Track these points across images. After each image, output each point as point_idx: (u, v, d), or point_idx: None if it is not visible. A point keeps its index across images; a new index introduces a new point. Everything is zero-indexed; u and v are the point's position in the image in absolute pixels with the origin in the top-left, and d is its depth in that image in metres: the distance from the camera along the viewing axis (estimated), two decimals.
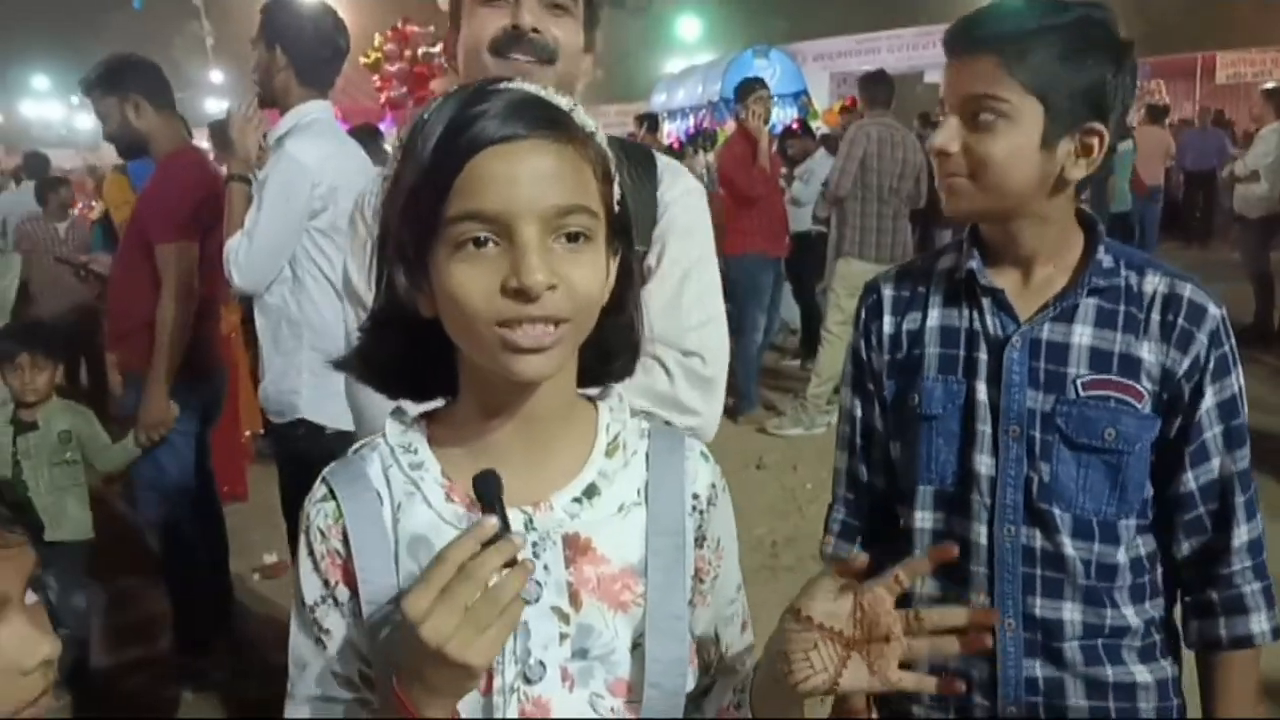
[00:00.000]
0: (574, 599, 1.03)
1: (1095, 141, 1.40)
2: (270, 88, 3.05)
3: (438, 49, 10.47)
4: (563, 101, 1.00)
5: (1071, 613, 1.46)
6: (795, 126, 9.34)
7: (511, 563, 0.91)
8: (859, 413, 1.64)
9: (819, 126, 11.95)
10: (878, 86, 6.22)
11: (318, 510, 1.06)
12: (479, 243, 0.94)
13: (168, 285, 3.35)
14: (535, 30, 1.51)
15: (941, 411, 1.50)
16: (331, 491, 1.06)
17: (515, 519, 1.02)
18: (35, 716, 1.02)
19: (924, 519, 1.54)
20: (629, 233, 1.08)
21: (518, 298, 0.93)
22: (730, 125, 7.56)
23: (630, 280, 1.09)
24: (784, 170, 7.99)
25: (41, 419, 3.46)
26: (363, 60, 11.29)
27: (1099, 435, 1.41)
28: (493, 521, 0.92)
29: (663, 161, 1.69)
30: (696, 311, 1.59)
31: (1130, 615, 1.48)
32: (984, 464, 1.47)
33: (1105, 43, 1.39)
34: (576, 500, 1.05)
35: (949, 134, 1.41)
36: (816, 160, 8.13)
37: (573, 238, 0.96)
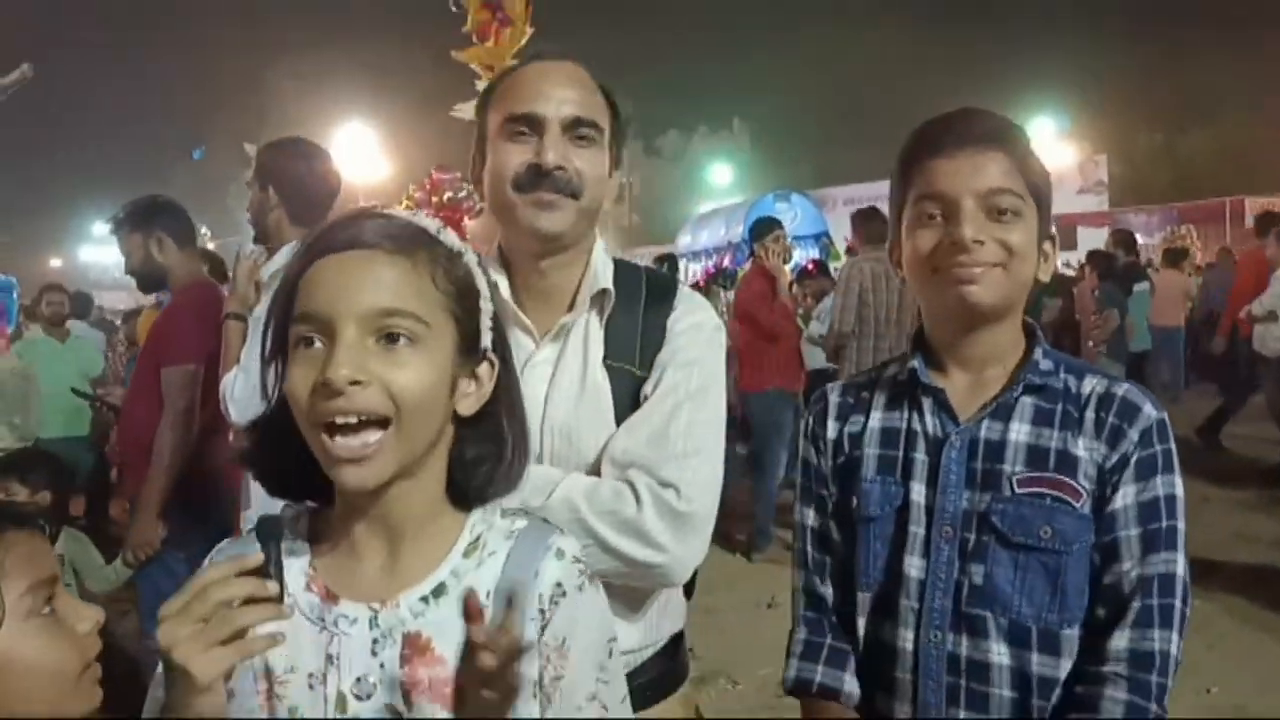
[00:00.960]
0: (407, 698, 1.07)
1: (1050, 248, 1.49)
2: (263, 225, 3.18)
3: (464, 193, 10.87)
4: (429, 224, 1.11)
5: None
6: (811, 267, 9.52)
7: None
8: (811, 522, 1.60)
9: (839, 267, 12.13)
10: (871, 223, 6.28)
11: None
12: (309, 343, 1.03)
13: (169, 408, 3.43)
14: (559, 167, 1.54)
15: (880, 513, 1.49)
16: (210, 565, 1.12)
17: (362, 614, 1.09)
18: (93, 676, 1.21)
19: (861, 626, 1.50)
20: (503, 347, 1.17)
21: (325, 392, 1.00)
22: (750, 265, 7.71)
23: (504, 394, 1.16)
24: (799, 310, 8.11)
25: None
26: (399, 207, 11.71)
27: (1035, 534, 1.38)
28: (257, 557, 1.01)
29: (683, 294, 1.69)
30: (682, 442, 1.52)
31: None
32: (914, 567, 1.44)
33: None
34: (423, 599, 1.10)
35: (978, 224, 1.41)
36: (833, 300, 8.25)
37: (393, 339, 1.04)
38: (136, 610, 5.03)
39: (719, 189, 42.51)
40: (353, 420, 1.01)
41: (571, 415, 1.58)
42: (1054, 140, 30.04)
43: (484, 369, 1.13)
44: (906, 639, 1.44)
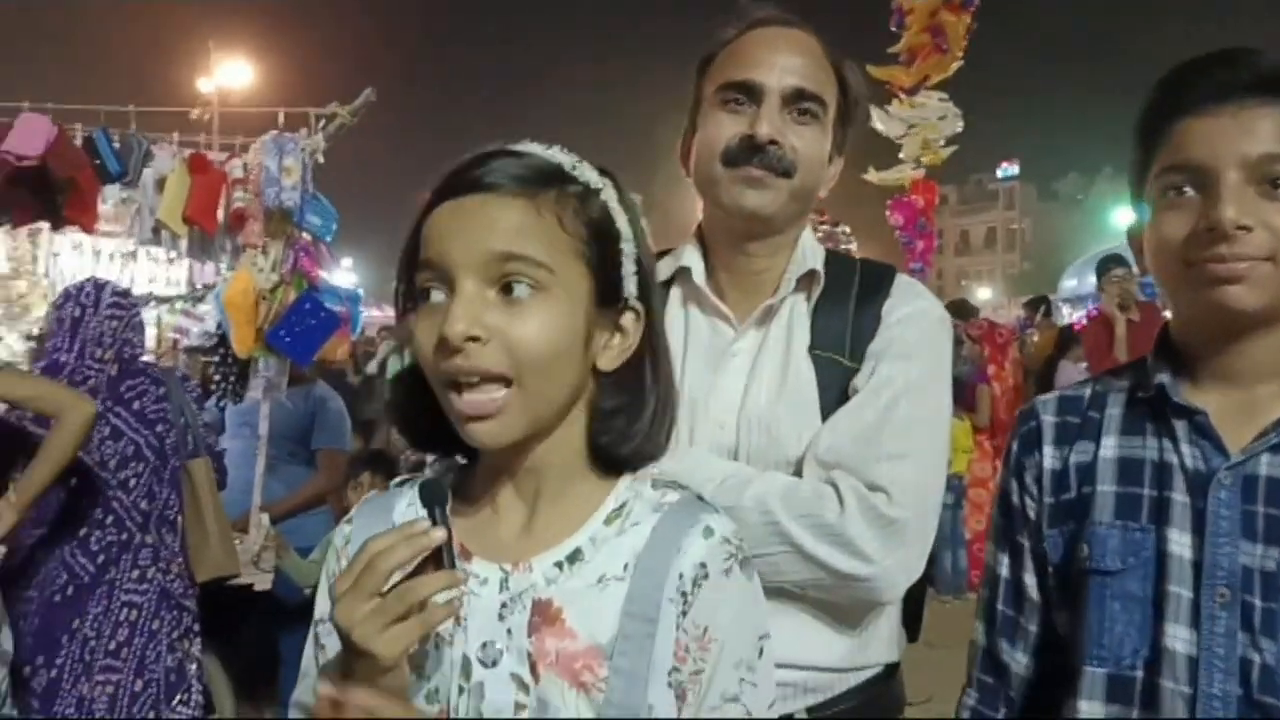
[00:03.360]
0: (534, 669, 0.98)
1: None
2: None
3: (819, 234, 10.75)
4: (564, 159, 1.02)
5: None
6: None
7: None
8: (1004, 572, 1.32)
9: None
10: None
11: (338, 533, 1.13)
12: (428, 294, 0.97)
13: None
14: (773, 141, 1.42)
15: (1120, 566, 1.19)
16: (351, 518, 1.13)
17: (493, 575, 1.01)
18: None
19: (1092, 710, 1.19)
20: (649, 295, 1.05)
21: (445, 349, 0.94)
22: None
23: (649, 346, 1.06)
24: None
25: None
26: None
27: None
28: (423, 524, 0.92)
29: (901, 280, 1.53)
30: (895, 441, 1.37)
31: None
32: (1180, 639, 1.13)
33: None
34: (558, 565, 1.01)
35: (1244, 203, 1.10)
36: None
37: (508, 289, 0.95)
38: None
39: (1122, 232, 39.15)
40: (474, 379, 0.96)
41: (772, 408, 1.44)
42: None
43: (628, 319, 1.03)
44: None
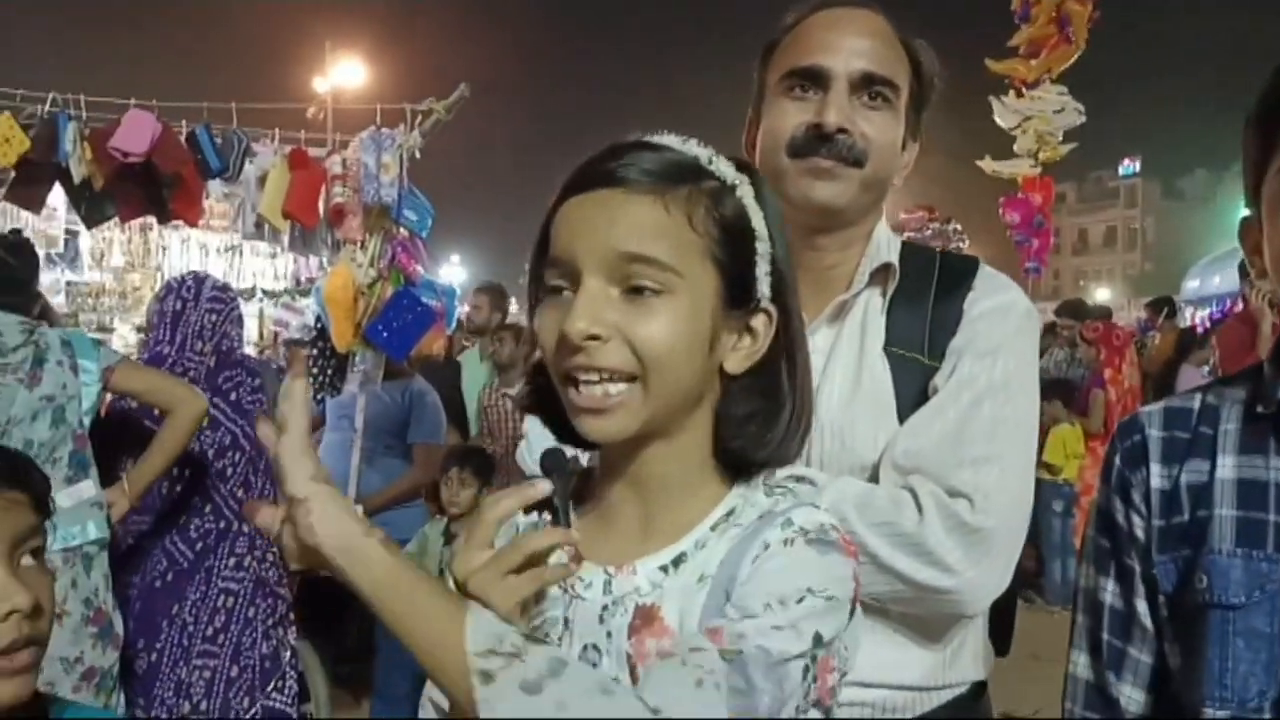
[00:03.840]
0: (633, 672, 0.96)
1: None
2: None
3: (929, 232, 10.52)
4: (700, 153, 0.99)
5: None
6: None
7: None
8: (1109, 599, 1.21)
9: None
10: None
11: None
12: (558, 290, 0.96)
13: None
14: (842, 130, 1.36)
15: (1244, 600, 1.08)
16: None
17: (597, 578, 1.00)
18: (9, 667, 1.14)
19: None
20: (784, 297, 1.02)
21: (566, 346, 0.93)
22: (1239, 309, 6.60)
23: (784, 349, 1.02)
24: None
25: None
26: None
27: None
28: (544, 486, 0.98)
29: (985, 272, 1.46)
30: (978, 445, 1.29)
31: None
32: None
33: None
34: (662, 568, 0.99)
35: None
36: None
37: (637, 290, 0.93)
38: None
39: None
40: (594, 377, 0.94)
41: (845, 411, 1.38)
42: None
43: (759, 321, 1.00)
44: None
